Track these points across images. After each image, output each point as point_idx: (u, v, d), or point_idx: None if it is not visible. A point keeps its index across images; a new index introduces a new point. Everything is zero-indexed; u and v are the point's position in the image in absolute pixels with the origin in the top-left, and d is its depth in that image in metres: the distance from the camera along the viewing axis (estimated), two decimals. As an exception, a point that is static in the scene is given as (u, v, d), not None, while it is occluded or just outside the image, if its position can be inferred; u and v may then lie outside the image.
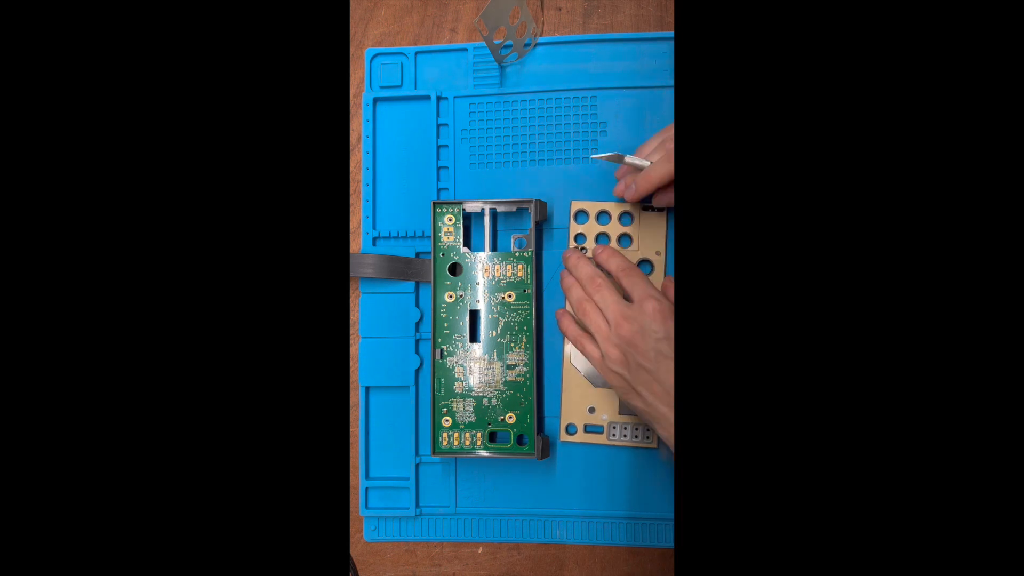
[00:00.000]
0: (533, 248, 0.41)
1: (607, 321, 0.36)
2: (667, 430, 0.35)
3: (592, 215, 0.42)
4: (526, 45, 0.43)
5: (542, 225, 0.43)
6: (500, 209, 0.42)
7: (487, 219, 0.42)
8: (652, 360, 0.34)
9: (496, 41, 0.41)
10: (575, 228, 0.42)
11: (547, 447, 0.41)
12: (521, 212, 0.43)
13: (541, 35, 0.44)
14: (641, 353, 0.35)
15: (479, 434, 0.41)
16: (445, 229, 0.42)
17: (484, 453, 0.41)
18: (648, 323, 0.35)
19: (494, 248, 0.42)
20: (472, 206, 0.41)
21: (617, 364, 0.36)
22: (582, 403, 0.41)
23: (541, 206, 0.41)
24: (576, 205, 0.42)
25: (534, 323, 0.41)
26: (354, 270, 0.42)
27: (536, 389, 0.41)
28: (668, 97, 0.42)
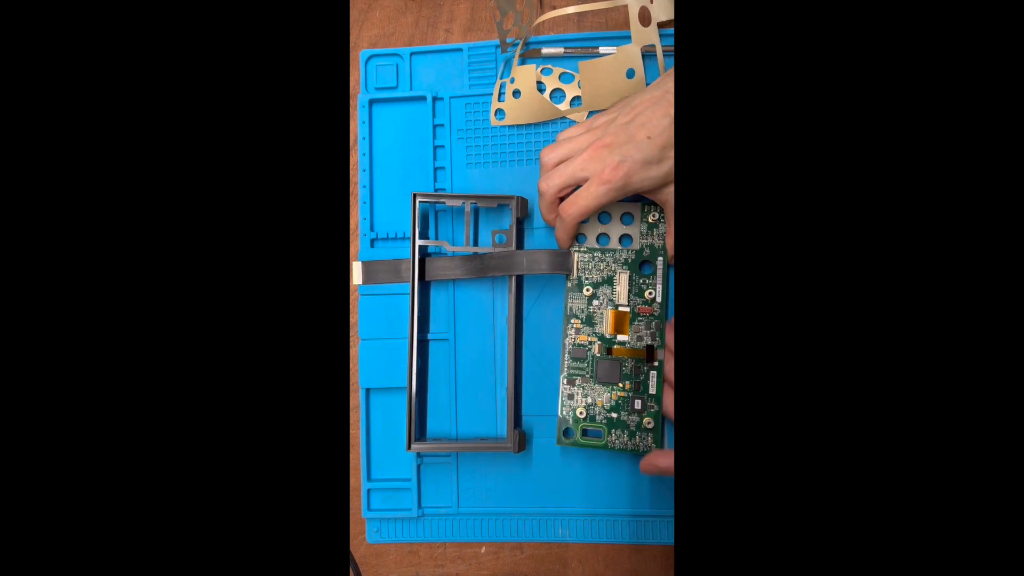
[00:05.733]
0: (513, 246, 0.41)
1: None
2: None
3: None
4: (527, 44, 0.43)
5: (523, 222, 0.43)
6: (481, 205, 0.42)
7: (468, 215, 0.41)
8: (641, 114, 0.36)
9: (506, 28, 0.41)
10: None
11: (523, 441, 0.41)
12: (502, 208, 0.43)
13: (535, 34, 0.44)
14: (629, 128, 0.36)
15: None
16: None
17: (458, 446, 0.41)
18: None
19: (475, 243, 0.42)
20: (453, 202, 0.42)
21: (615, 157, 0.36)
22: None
23: (522, 203, 0.41)
24: None
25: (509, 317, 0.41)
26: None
27: (514, 382, 0.41)
28: (664, 94, 0.42)
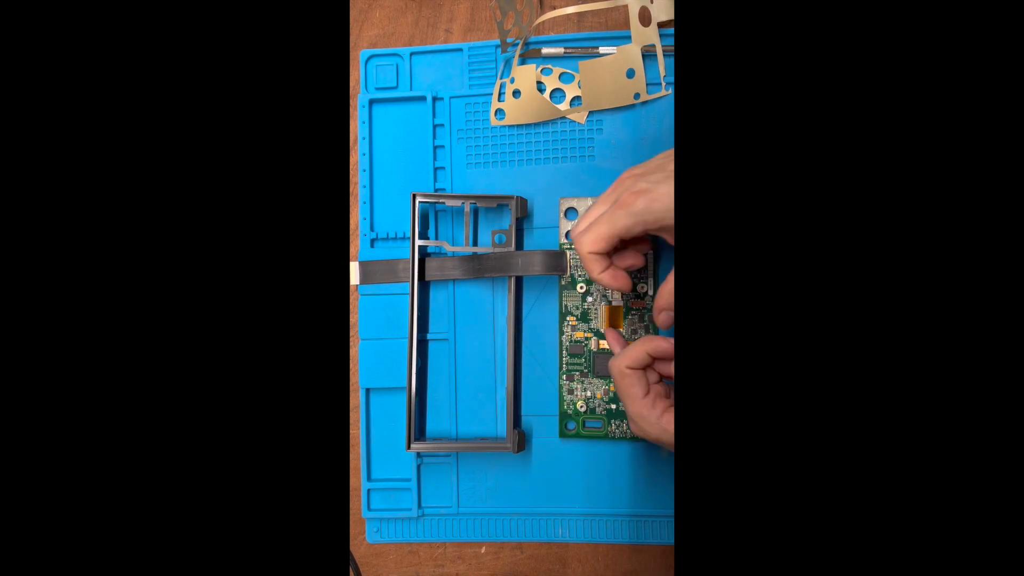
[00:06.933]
0: (513, 246, 0.41)
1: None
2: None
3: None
4: (527, 44, 0.43)
5: (523, 222, 0.43)
6: (480, 205, 0.42)
7: (467, 215, 0.42)
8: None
9: (506, 28, 0.41)
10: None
11: (523, 441, 0.42)
12: (502, 208, 0.43)
13: (535, 34, 0.44)
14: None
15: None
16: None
17: (458, 446, 0.41)
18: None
19: (475, 243, 0.43)
20: (453, 202, 0.42)
21: None
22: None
23: (521, 203, 0.41)
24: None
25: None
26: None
27: (513, 381, 0.41)
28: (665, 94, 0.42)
